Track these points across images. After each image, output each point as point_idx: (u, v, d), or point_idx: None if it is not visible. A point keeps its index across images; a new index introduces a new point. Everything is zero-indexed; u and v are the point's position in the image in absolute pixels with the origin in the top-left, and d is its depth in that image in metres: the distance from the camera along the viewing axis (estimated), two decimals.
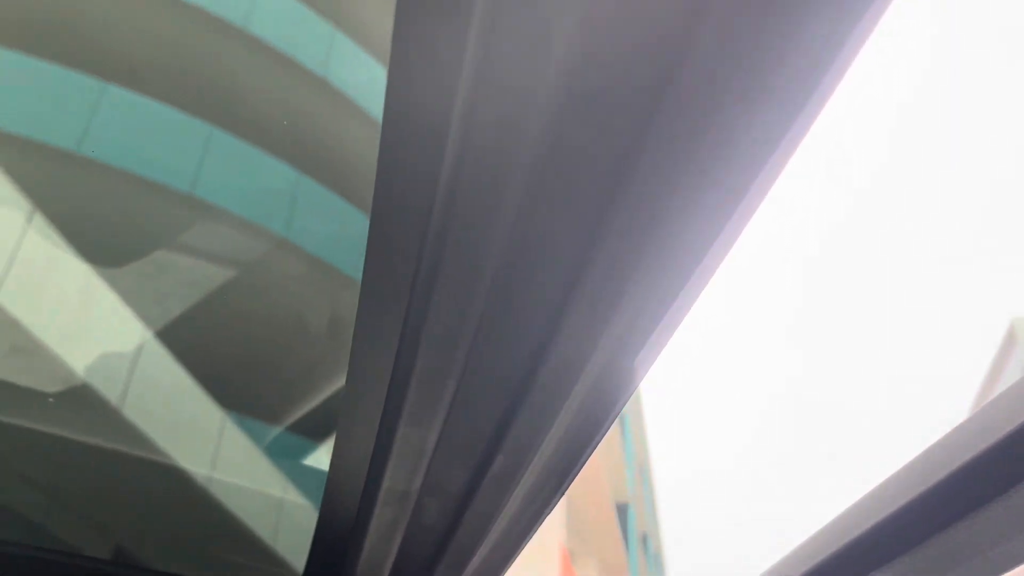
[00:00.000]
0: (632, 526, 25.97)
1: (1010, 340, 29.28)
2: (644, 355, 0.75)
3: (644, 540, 32.58)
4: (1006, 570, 0.87)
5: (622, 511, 24.03)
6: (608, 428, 0.85)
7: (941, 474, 0.81)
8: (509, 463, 0.85)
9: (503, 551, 1.02)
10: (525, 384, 0.75)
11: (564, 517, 16.00)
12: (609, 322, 0.70)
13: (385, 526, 0.93)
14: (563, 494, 0.95)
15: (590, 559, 20.03)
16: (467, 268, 0.67)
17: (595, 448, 0.87)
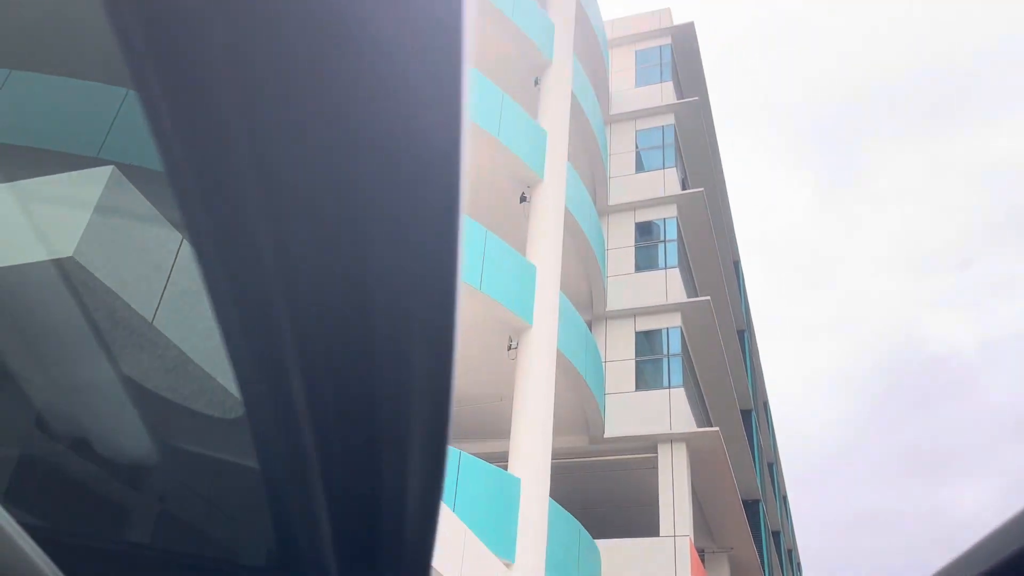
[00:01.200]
0: (763, 523, 25.42)
1: None
2: None
3: (776, 537, 31.79)
4: None
5: (752, 508, 23.61)
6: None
7: None
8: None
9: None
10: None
11: (693, 516, 15.93)
12: None
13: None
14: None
15: (721, 556, 19.71)
16: None
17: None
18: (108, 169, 1.96)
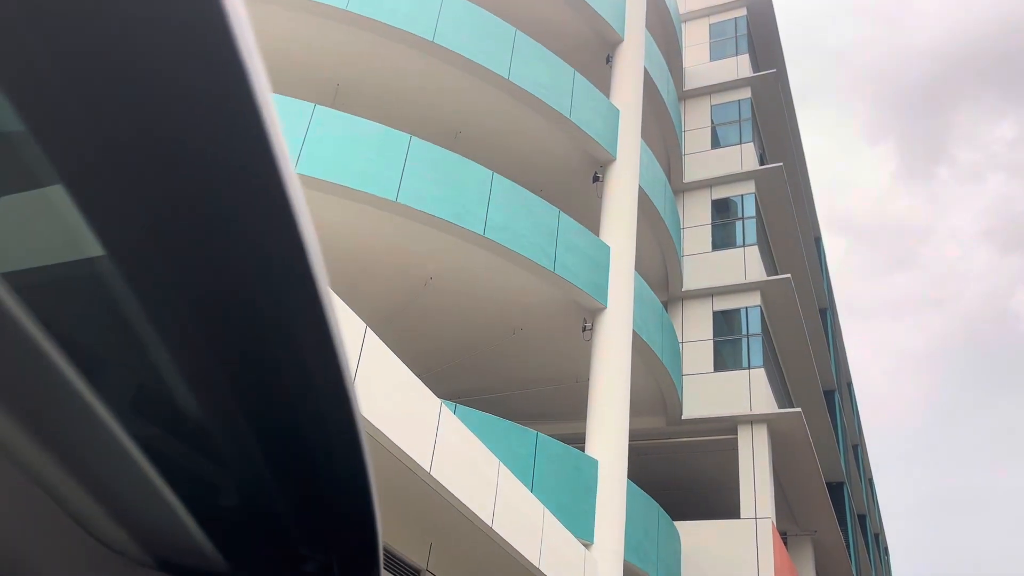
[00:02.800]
0: (848, 506, 24.79)
1: None
2: None
3: (862, 520, 30.96)
4: None
5: (836, 491, 23.03)
6: None
7: None
8: None
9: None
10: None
11: (775, 498, 15.62)
12: None
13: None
14: None
15: (805, 539, 19.35)
16: None
17: None
18: None
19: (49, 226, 0.61)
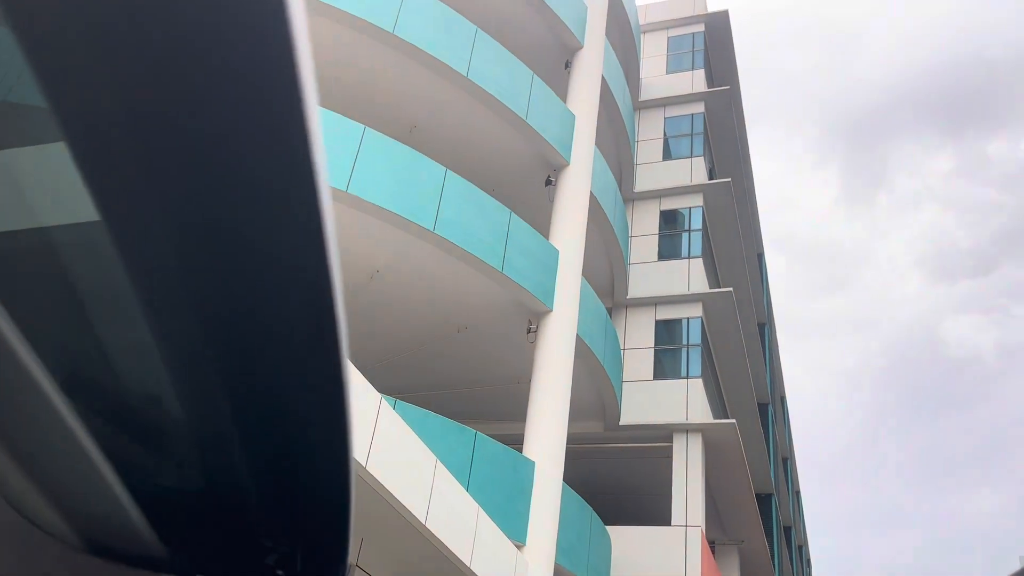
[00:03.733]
0: (775, 517, 25.34)
1: None
2: None
3: (787, 532, 31.68)
4: None
5: (765, 502, 23.52)
6: None
7: None
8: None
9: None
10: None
11: (705, 507, 15.89)
12: None
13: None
14: None
15: (732, 549, 19.71)
16: None
17: None
18: None
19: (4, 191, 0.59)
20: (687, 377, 16.33)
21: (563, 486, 11.96)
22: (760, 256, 29.19)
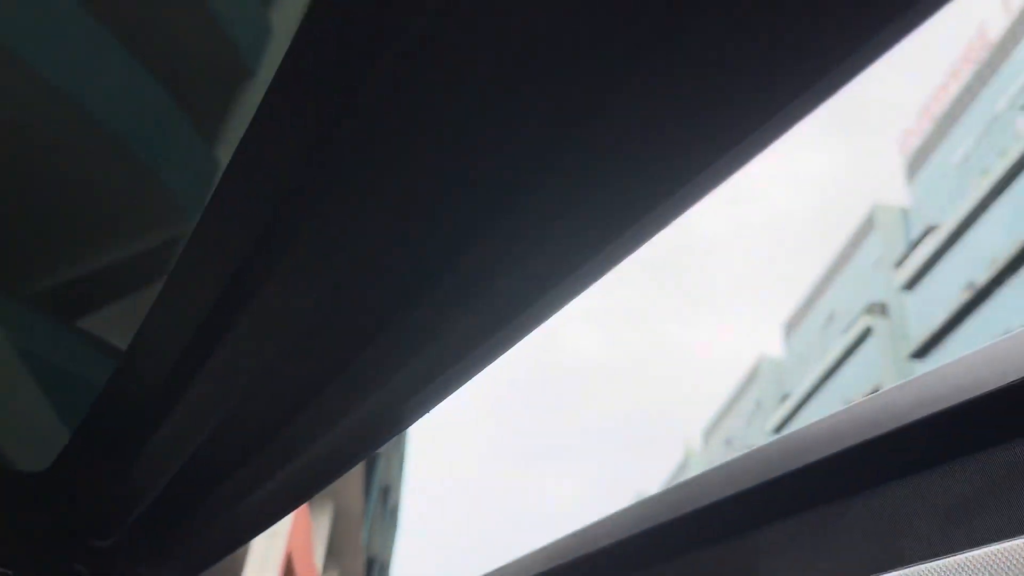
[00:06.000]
0: (376, 476, 25.70)
1: (868, 225, 32.36)
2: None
3: (386, 492, 32.52)
4: None
5: (370, 461, 23.63)
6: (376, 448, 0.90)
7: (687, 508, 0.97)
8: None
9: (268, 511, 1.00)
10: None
11: None
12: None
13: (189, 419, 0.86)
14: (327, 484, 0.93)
15: (327, 505, 19.53)
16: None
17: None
18: None
19: None
20: None
21: None
22: None
